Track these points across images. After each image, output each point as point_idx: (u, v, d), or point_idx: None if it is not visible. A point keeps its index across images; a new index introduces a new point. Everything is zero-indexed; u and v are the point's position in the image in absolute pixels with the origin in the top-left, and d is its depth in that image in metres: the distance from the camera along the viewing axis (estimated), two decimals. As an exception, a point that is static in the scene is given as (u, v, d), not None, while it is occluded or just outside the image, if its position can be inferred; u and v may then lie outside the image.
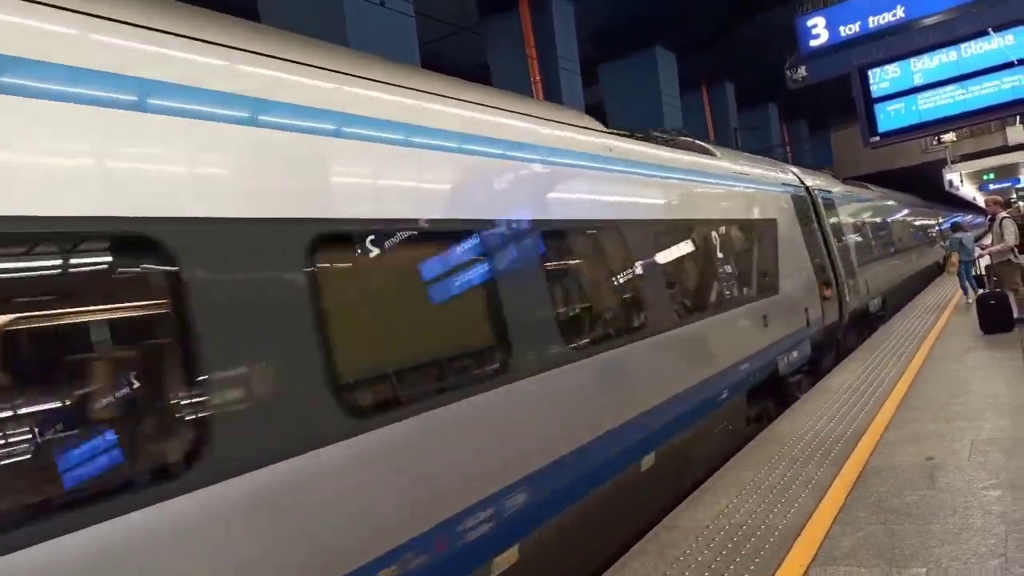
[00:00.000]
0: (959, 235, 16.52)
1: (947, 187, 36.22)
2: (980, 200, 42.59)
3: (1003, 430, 6.30)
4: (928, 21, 9.24)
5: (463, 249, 4.13)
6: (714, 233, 7.67)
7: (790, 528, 4.85)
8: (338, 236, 3.27)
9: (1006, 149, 32.24)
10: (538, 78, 16.41)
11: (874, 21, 9.70)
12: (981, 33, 8.70)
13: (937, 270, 25.73)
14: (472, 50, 19.03)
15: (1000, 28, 8.70)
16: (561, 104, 13.74)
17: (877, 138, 9.18)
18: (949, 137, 33.80)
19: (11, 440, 2.09)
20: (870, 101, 9.14)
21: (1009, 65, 8.19)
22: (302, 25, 10.77)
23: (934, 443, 6.23)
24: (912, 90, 8.90)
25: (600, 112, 21.28)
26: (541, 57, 16.52)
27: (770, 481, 5.88)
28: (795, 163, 25.78)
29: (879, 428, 6.96)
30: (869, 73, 9.10)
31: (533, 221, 4.70)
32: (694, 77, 25.85)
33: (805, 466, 6.13)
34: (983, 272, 12.80)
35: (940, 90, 8.74)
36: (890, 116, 9.07)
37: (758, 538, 4.77)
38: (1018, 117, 26.74)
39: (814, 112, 37.36)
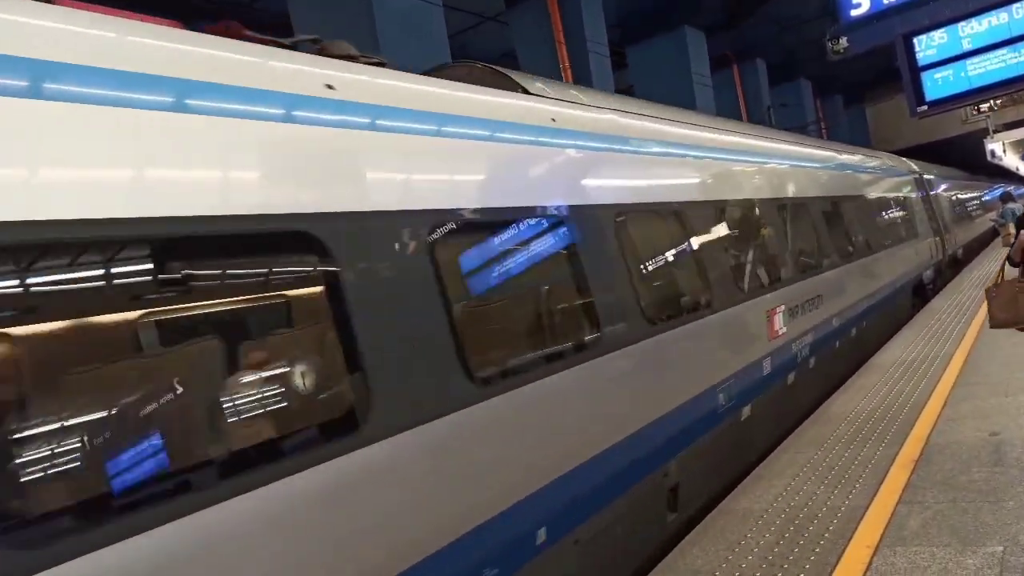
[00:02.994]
0: (1011, 205, 15.61)
1: (989, 157, 35.12)
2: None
3: (1070, 403, 6.09)
4: (975, -17, 8.92)
5: None
6: None
7: (853, 509, 4.74)
8: None
9: (1051, 116, 31.16)
10: (567, 64, 16.26)
11: (917, -14, 9.39)
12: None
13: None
14: (498, 40, 18.95)
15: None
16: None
17: (925, 107, 8.90)
18: (989, 106, 32.69)
19: None
20: (916, 69, 8.85)
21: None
22: (331, 21, 10.81)
23: (997, 418, 6.04)
24: (961, 56, 8.59)
25: (630, 95, 21.06)
26: (569, 42, 16.35)
27: (828, 462, 5.76)
28: (831, 139, 24.95)
29: (937, 405, 6.78)
30: (915, 40, 8.81)
31: None
32: (724, 55, 25.43)
33: (863, 446, 6.00)
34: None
35: (991, 54, 8.42)
36: (938, 84, 8.78)
37: (820, 520, 4.67)
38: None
39: (848, 86, 36.55)
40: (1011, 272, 6.22)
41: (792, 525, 4.67)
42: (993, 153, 34.74)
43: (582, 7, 16.53)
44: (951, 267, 17.99)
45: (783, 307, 7.21)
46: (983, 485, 4.67)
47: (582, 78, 15.97)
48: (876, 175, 13.27)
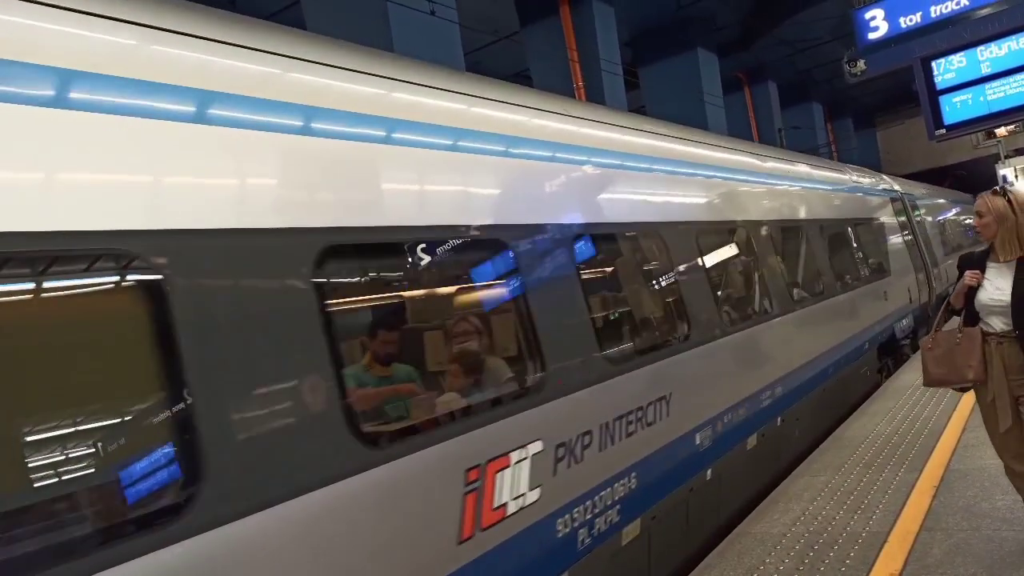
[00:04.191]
0: None
1: (1001, 183, 35.13)
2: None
3: (1092, 431, 5.98)
4: (993, 8, 8.92)
5: None
6: None
7: (874, 535, 4.65)
8: None
9: (1063, 141, 31.10)
10: (580, 83, 16.33)
11: (936, 11, 9.39)
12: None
13: None
14: (514, 58, 19.07)
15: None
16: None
17: (944, 131, 8.89)
18: (1001, 131, 32.71)
19: None
20: (935, 93, 8.85)
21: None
22: (347, 33, 10.90)
23: (1017, 445, 5.95)
24: (980, 80, 8.59)
25: (642, 114, 21.14)
26: (583, 61, 16.43)
27: (846, 487, 5.68)
28: (840, 161, 24.80)
29: (955, 430, 6.69)
30: (933, 64, 8.82)
31: None
32: (736, 77, 25.55)
33: (881, 471, 5.91)
34: None
35: (1010, 79, 8.41)
36: (956, 108, 8.77)
37: (841, 546, 4.59)
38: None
39: (859, 110, 36.65)
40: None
41: (812, 551, 4.59)
42: (1005, 178, 34.74)
43: (596, 27, 16.63)
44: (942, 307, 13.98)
45: (534, 448, 3.58)
46: (1007, 513, 4.58)
47: (595, 97, 16.04)
48: (831, 193, 9.90)
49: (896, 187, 13.64)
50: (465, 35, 13.53)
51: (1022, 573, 3.79)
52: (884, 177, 13.75)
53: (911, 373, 9.74)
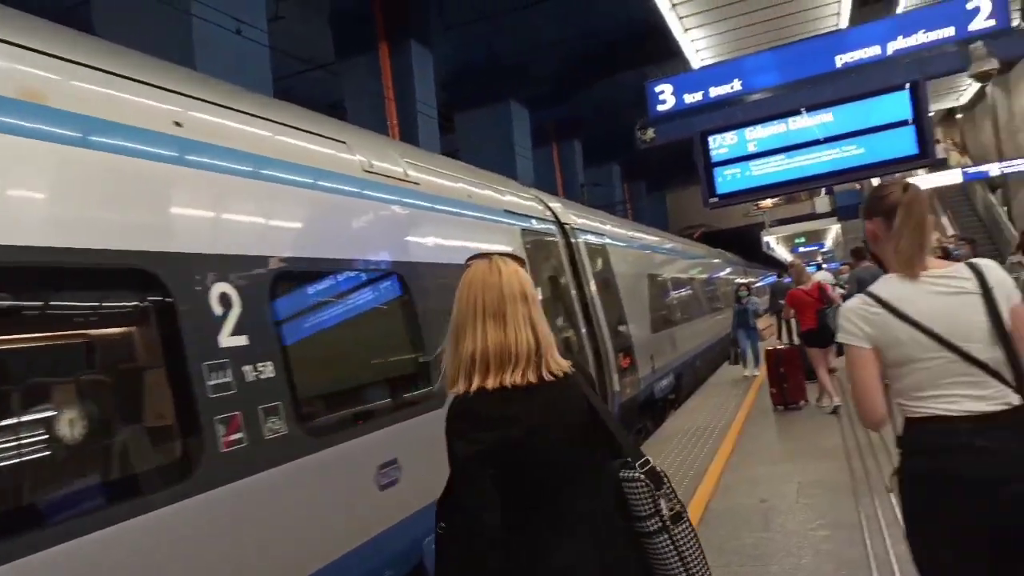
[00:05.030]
0: (755, 300, 13.76)
1: (764, 248, 39.70)
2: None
3: (825, 472, 6.80)
4: (762, 95, 10.27)
5: None
6: None
7: (641, 573, 4.92)
8: None
9: (814, 216, 35.91)
10: (395, 122, 16.39)
11: (715, 92, 10.70)
12: (795, 112, 9.72)
13: None
14: (328, 89, 18.75)
15: (812, 108, 9.74)
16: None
17: (716, 199, 9.96)
18: (766, 203, 37.27)
19: None
20: (710, 165, 9.92)
21: (829, 140, 9.23)
22: (144, 44, 10.16)
23: (765, 485, 6.61)
24: (746, 157, 9.77)
25: (455, 159, 21.59)
26: (399, 100, 16.53)
27: (620, 526, 5.98)
28: (635, 220, 26.81)
29: (716, 472, 7.30)
30: (709, 139, 9.91)
31: None
32: (545, 132, 26.93)
33: (652, 511, 6.29)
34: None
35: (770, 159, 9.66)
36: (727, 180, 9.88)
37: (611, 585, 4.79)
38: (824, 189, 29.87)
39: (652, 174, 40.05)
40: None
41: (584, 590, 4.76)
42: (768, 244, 39.41)
43: (414, 68, 16.84)
44: (647, 414, 10.38)
45: None
46: (752, 550, 5.05)
47: (410, 137, 16.14)
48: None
49: (550, 208, 8.17)
50: (277, 59, 13.11)
51: (760, 605, 4.18)
52: (536, 194, 8.47)
53: (678, 420, 10.57)
